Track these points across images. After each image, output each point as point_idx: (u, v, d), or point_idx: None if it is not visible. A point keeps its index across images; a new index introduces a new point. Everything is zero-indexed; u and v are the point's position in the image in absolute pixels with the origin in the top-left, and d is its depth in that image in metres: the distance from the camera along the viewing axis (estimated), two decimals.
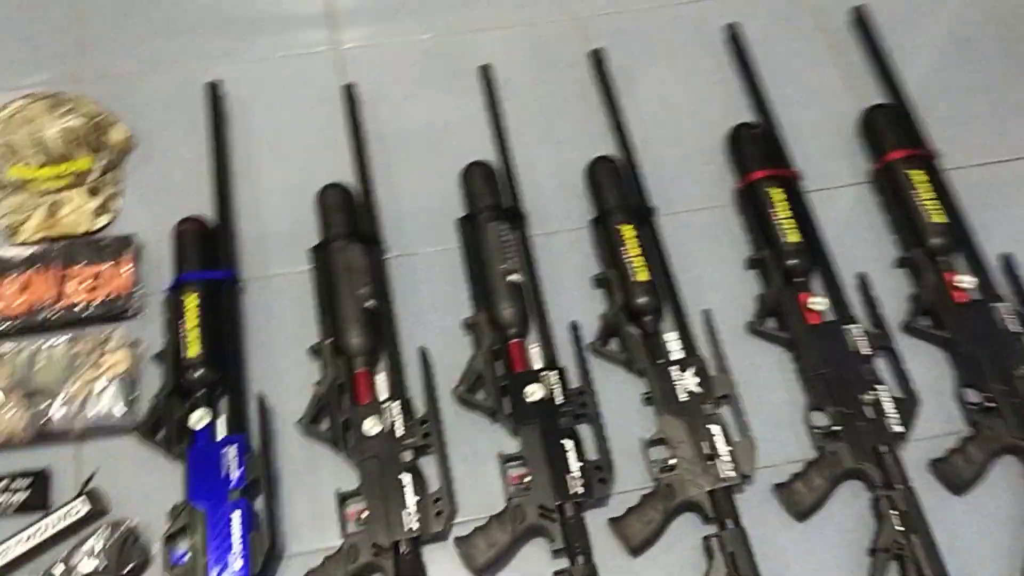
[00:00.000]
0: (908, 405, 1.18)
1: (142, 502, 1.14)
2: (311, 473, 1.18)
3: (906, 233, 1.32)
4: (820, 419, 1.19)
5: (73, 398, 1.17)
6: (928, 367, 1.25)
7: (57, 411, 1.16)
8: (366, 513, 1.10)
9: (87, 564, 1.08)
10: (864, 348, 1.21)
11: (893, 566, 1.10)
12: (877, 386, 1.19)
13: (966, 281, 1.26)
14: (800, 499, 1.14)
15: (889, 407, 1.17)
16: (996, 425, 1.17)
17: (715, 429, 1.16)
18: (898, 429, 1.16)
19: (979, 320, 1.23)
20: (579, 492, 1.11)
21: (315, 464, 1.18)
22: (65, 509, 1.12)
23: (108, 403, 1.17)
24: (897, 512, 1.11)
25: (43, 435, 1.16)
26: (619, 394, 1.23)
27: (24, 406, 1.16)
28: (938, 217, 1.30)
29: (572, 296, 1.30)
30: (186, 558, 1.08)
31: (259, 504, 1.12)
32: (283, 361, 1.25)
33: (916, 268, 1.29)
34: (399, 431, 1.15)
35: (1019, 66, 1.53)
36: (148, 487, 1.15)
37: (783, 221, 1.29)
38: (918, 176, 1.33)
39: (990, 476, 1.17)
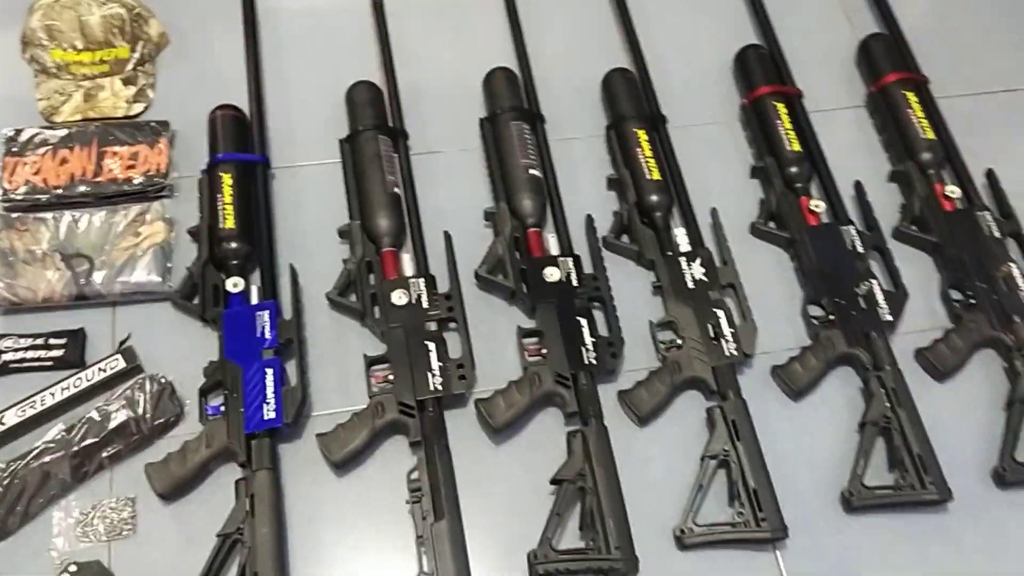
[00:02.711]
0: (898, 297, 1.27)
1: (173, 365, 1.20)
2: (337, 344, 1.24)
3: (899, 149, 1.41)
4: (816, 312, 1.28)
5: (112, 263, 1.22)
6: (916, 270, 1.34)
7: (96, 275, 1.22)
8: (392, 376, 1.17)
9: (122, 413, 1.13)
10: (859, 246, 1.30)
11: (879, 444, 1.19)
12: (871, 279, 1.27)
13: (955, 191, 1.35)
14: (797, 379, 1.22)
15: (880, 298, 1.26)
16: (978, 319, 1.26)
17: (720, 313, 1.24)
18: (888, 318, 1.25)
19: (965, 226, 1.33)
20: (592, 362, 1.19)
21: (341, 336, 1.25)
22: (101, 364, 1.17)
23: (145, 270, 1.23)
24: (885, 389, 1.19)
25: (82, 297, 1.21)
26: (629, 285, 1.30)
27: (63, 268, 1.21)
28: (929, 134, 1.39)
29: (586, 197, 1.37)
30: (220, 409, 1.14)
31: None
32: (309, 244, 1.31)
33: (908, 180, 1.38)
34: (424, 304, 1.21)
35: (1000, 9, 1.63)
36: (179, 351, 1.21)
37: (787, 131, 1.38)
38: (912, 97, 1.42)
39: (970, 368, 1.27)
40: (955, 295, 1.30)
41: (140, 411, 1.14)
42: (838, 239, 1.30)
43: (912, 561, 1.14)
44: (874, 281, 1.27)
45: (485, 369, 1.22)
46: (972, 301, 1.28)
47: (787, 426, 1.22)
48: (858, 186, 1.37)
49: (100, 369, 1.17)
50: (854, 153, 1.45)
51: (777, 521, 1.11)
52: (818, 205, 1.33)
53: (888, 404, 1.19)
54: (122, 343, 1.20)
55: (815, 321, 1.26)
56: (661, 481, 1.17)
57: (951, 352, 1.25)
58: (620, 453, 1.16)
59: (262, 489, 1.08)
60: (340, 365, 1.22)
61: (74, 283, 1.21)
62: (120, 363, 1.17)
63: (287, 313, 1.22)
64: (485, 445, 1.19)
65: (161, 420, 1.15)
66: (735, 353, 1.21)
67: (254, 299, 1.22)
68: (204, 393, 1.15)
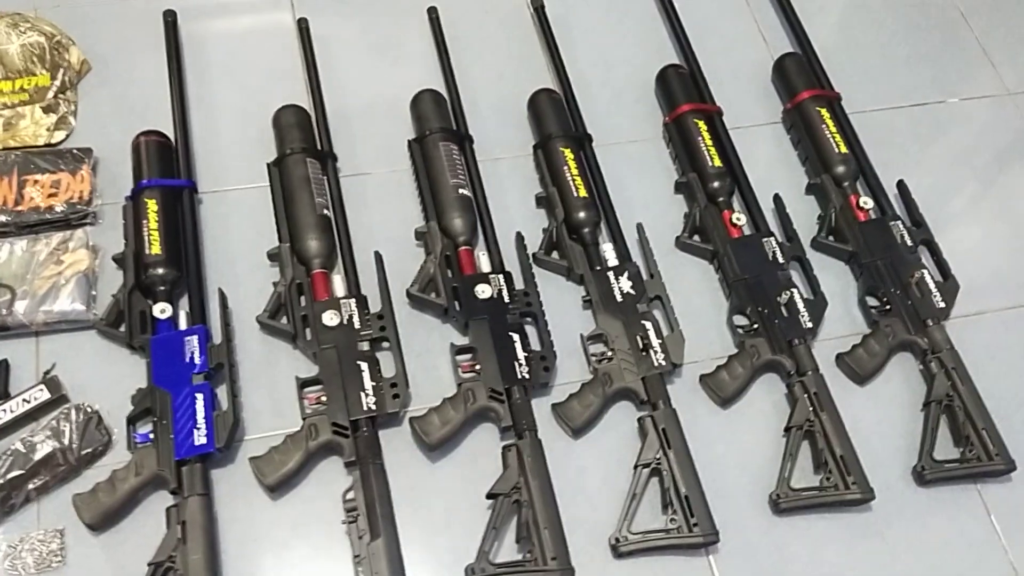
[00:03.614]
0: (818, 305, 1.32)
1: (100, 393, 1.18)
2: (268, 367, 1.24)
3: (815, 163, 1.46)
4: (741, 321, 1.31)
5: (34, 292, 1.20)
6: (834, 278, 1.39)
7: (18, 304, 1.19)
8: (325, 397, 1.17)
9: (48, 444, 1.11)
10: (780, 257, 1.34)
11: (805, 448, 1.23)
12: (791, 288, 1.31)
13: (868, 202, 1.41)
14: (724, 387, 1.25)
15: (801, 306, 1.30)
16: (894, 324, 1.31)
17: (648, 325, 1.26)
18: (809, 325, 1.29)
19: (879, 235, 1.38)
20: (525, 376, 1.20)
21: (272, 359, 1.24)
22: (25, 395, 1.15)
23: (69, 298, 1.21)
24: (808, 394, 1.23)
25: (4, 328, 1.19)
26: (560, 299, 1.33)
27: None
28: (843, 148, 1.45)
29: (514, 215, 1.39)
30: (150, 437, 1.12)
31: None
32: (239, 268, 1.31)
33: (824, 192, 1.43)
34: (356, 324, 1.21)
35: (906, 26, 1.71)
36: (106, 379, 1.20)
37: (708, 148, 1.42)
38: (825, 113, 1.48)
39: (888, 371, 1.32)
40: (872, 302, 1.35)
41: (67, 441, 1.11)
42: (760, 250, 1.34)
43: (839, 558, 1.18)
44: (795, 290, 1.31)
45: (419, 387, 1.23)
46: (887, 307, 1.33)
47: (716, 433, 1.25)
48: (777, 199, 1.42)
49: (24, 400, 1.14)
50: (773, 168, 1.50)
51: (709, 526, 1.13)
52: (739, 218, 1.37)
53: (811, 408, 1.23)
54: (46, 373, 1.17)
55: (740, 330, 1.30)
56: (596, 491, 1.19)
57: (869, 356, 1.29)
58: (555, 465, 1.17)
59: (194, 515, 1.07)
60: (272, 388, 1.22)
61: None
62: (44, 393, 1.15)
63: (217, 338, 1.21)
64: (421, 462, 1.19)
65: (88, 450, 1.13)
66: (664, 363, 1.24)
67: (182, 324, 1.21)
68: (132, 421, 1.14)
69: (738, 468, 1.22)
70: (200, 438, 1.11)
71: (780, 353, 1.27)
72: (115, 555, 1.09)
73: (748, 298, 1.31)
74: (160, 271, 1.23)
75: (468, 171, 1.37)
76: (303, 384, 1.18)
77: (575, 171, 1.38)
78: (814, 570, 1.17)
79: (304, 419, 1.16)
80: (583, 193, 1.36)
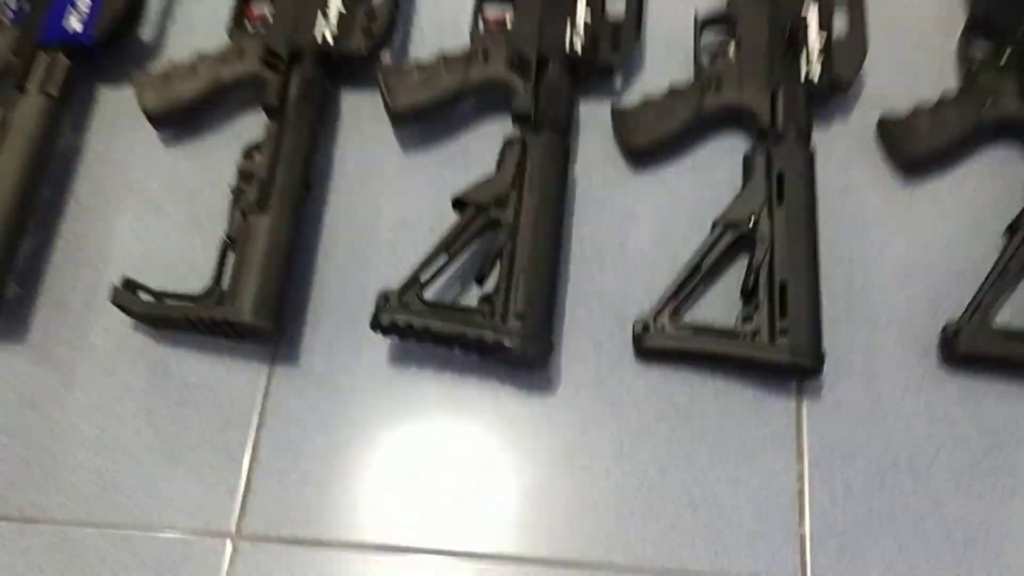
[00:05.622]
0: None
1: None
2: None
3: None
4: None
5: None
6: None
7: None
8: (271, 12, 0.77)
9: None
10: None
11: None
12: None
13: None
14: (918, 140, 0.72)
15: None
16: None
17: (813, 15, 0.75)
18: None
19: None
20: (577, 50, 0.74)
21: None
22: None
23: None
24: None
25: None
26: None
27: None
28: None
29: None
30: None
31: None
32: None
33: None
34: None
35: None
36: None
37: None
38: None
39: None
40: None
41: None
42: None
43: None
44: None
45: (425, 31, 0.82)
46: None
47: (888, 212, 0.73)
48: None
49: None
50: None
51: (807, 344, 0.64)
52: None
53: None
54: None
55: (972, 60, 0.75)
56: (638, 247, 0.72)
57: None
58: (588, 201, 0.74)
59: (26, 118, 0.72)
60: None
61: None
62: None
63: None
64: (383, 139, 0.77)
65: None
66: (818, 76, 0.72)
67: None
68: None
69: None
70: (75, 22, 0.75)
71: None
72: None
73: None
74: None
75: None
76: None
77: None
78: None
79: (231, 37, 0.77)
80: None
